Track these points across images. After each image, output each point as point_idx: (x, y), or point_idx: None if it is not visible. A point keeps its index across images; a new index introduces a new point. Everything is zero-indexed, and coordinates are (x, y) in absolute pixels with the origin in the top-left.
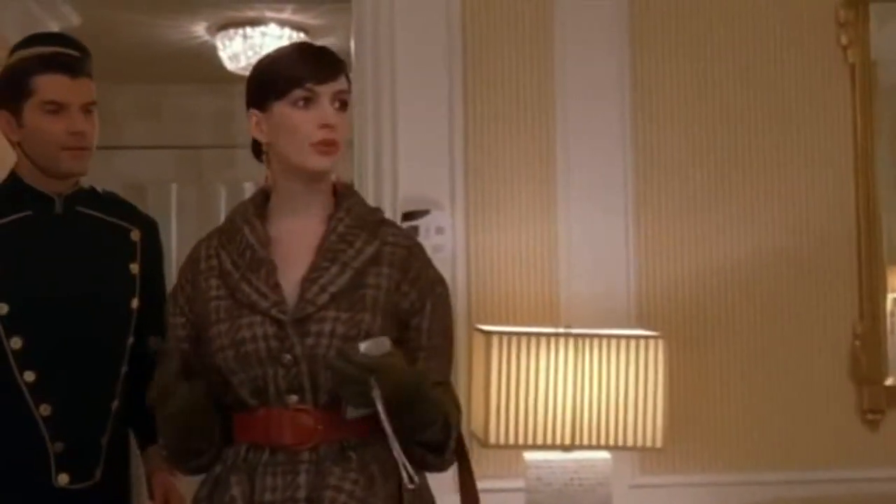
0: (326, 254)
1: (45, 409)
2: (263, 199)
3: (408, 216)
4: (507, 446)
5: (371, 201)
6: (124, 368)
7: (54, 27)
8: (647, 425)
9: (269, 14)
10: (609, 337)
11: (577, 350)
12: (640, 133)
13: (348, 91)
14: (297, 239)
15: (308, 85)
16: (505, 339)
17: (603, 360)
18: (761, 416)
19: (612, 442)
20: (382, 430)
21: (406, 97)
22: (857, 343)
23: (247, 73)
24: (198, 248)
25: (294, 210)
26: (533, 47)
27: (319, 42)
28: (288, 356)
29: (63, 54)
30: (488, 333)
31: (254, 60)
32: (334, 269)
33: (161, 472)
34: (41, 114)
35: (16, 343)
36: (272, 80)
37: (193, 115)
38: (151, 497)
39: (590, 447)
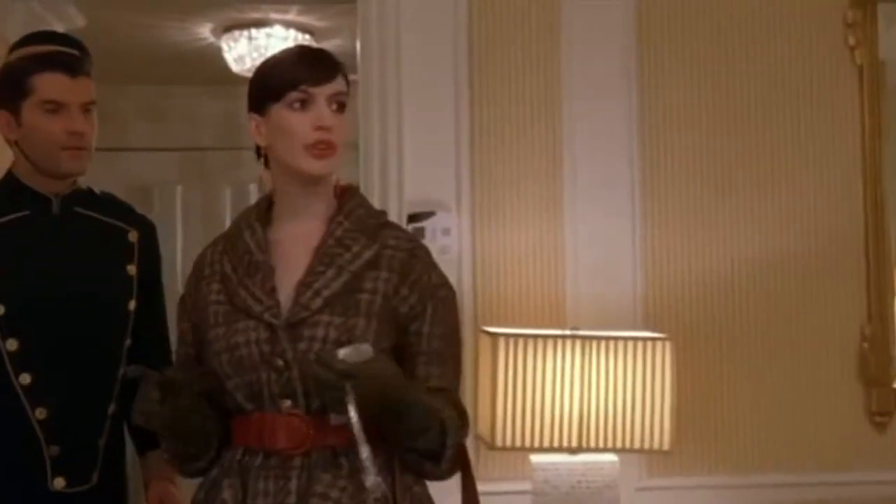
0: (323, 258)
1: (40, 413)
2: (268, 204)
3: (413, 218)
4: (513, 449)
5: (377, 203)
6: (121, 371)
7: (59, 28)
8: (654, 427)
9: (274, 16)
10: (616, 339)
11: (583, 352)
12: (646, 134)
13: (346, 93)
14: (297, 243)
15: (303, 87)
16: (511, 340)
17: (610, 362)
18: (769, 418)
19: (619, 444)
20: (377, 437)
21: (412, 99)
22: (866, 345)
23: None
24: (203, 254)
25: (295, 214)
26: (539, 48)
27: (325, 44)
28: (280, 361)
29: (62, 53)
30: (495, 335)
31: (259, 62)
32: (330, 273)
33: (159, 479)
34: (40, 113)
35: (11, 345)
36: (269, 84)
37: (198, 116)
38: None
39: (597, 450)
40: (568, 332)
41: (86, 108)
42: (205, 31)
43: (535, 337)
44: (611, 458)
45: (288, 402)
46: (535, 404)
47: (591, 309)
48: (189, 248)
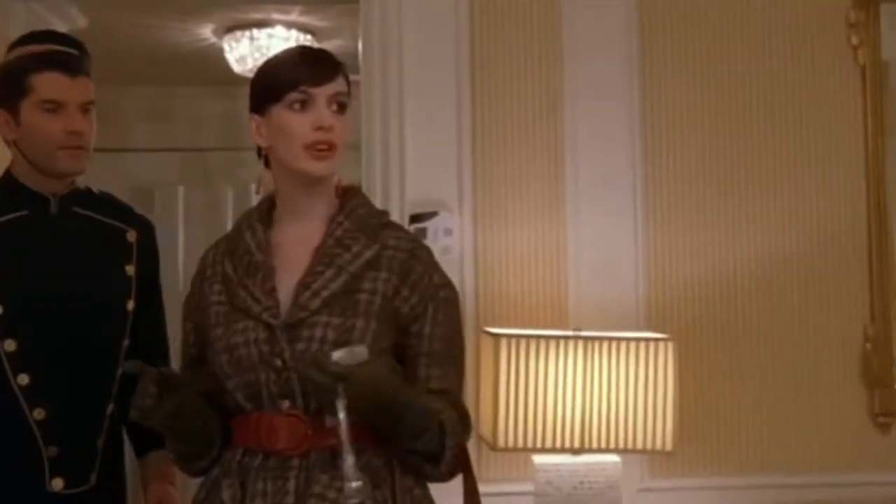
0: (322, 258)
1: (39, 413)
2: (270, 205)
3: (415, 218)
4: (515, 449)
5: (379, 203)
6: (120, 371)
7: (61, 29)
8: (656, 428)
9: (275, 16)
10: (618, 339)
11: (586, 353)
12: (648, 134)
13: (347, 93)
14: (298, 243)
15: (303, 88)
16: (513, 341)
17: (612, 362)
18: (771, 419)
19: (621, 445)
20: (376, 438)
21: (414, 99)
22: (868, 346)
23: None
24: (206, 255)
25: (296, 214)
26: (541, 48)
27: (326, 44)
28: (278, 361)
29: (61, 52)
30: (497, 336)
31: (261, 62)
32: (329, 274)
33: (158, 481)
34: (39, 112)
35: (10, 345)
36: (269, 85)
37: (200, 117)
38: None
39: (599, 450)
40: (570, 333)
41: (85, 108)
42: (206, 31)
43: (537, 337)
44: (613, 458)
45: (287, 403)
46: (537, 405)
47: (594, 309)
48: (190, 248)
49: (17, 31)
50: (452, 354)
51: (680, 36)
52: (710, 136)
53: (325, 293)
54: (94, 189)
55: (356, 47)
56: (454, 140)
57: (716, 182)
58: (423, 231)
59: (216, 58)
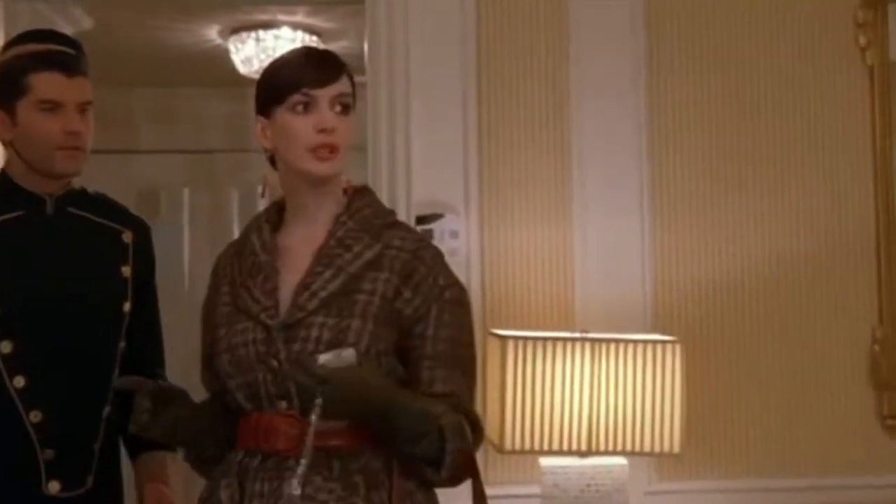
0: (323, 258)
1: (35, 416)
2: (280, 207)
3: (422, 220)
4: (522, 452)
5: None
6: (116, 373)
7: (66, 30)
8: (664, 431)
9: (281, 17)
10: (625, 341)
11: (593, 355)
12: (655, 134)
13: (350, 94)
14: (303, 244)
15: (304, 90)
16: (520, 343)
17: (619, 364)
18: (779, 422)
19: (628, 447)
20: (376, 441)
21: (419, 100)
22: (877, 348)
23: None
24: (219, 258)
25: (303, 216)
26: (547, 48)
27: (332, 45)
28: (274, 361)
29: (59, 52)
30: (503, 338)
31: (266, 64)
32: (328, 274)
33: (152, 482)
34: (36, 112)
35: (5, 347)
36: (272, 87)
37: (206, 118)
38: None
39: (606, 453)
40: (577, 335)
41: (82, 108)
42: (212, 32)
43: (544, 339)
44: (620, 461)
45: (284, 404)
46: (543, 407)
47: (600, 311)
48: (196, 250)
49: (21, 31)
50: (459, 356)
51: (687, 36)
52: (718, 137)
53: (322, 294)
54: (90, 190)
55: (362, 48)
56: (460, 141)
57: (723, 182)
58: (430, 233)
59: (222, 59)
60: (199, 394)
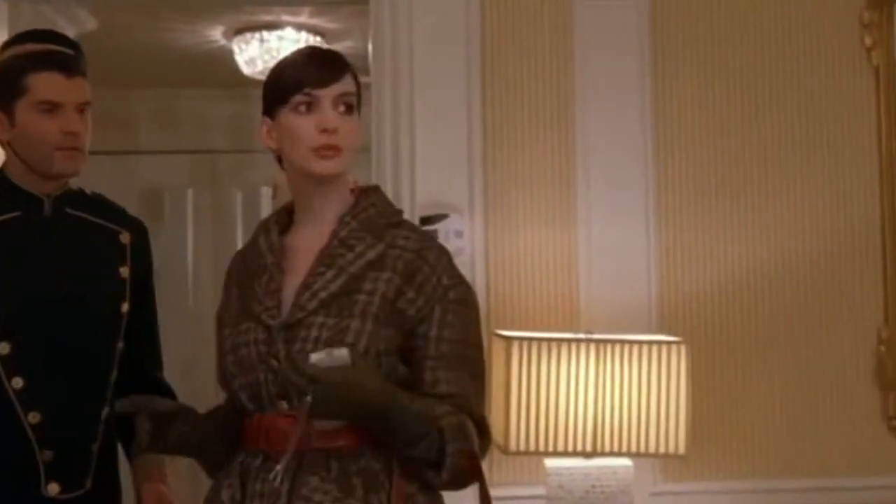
0: (325, 259)
1: (33, 417)
2: (288, 211)
3: (426, 220)
4: (527, 453)
5: None
6: (114, 374)
7: (70, 31)
8: (669, 432)
9: (285, 18)
10: (631, 342)
11: (598, 355)
12: (660, 136)
13: (354, 94)
14: (309, 245)
15: (307, 90)
16: (525, 344)
17: (624, 365)
18: (785, 423)
19: (633, 449)
20: (375, 442)
21: (424, 100)
22: (883, 348)
23: (263, 78)
24: (231, 262)
25: (311, 216)
26: (552, 49)
27: (337, 46)
28: (275, 361)
29: (58, 52)
30: (508, 339)
31: (270, 64)
32: (329, 274)
33: (150, 481)
34: (35, 113)
35: (3, 348)
36: (276, 87)
37: (209, 119)
38: None
39: (611, 454)
40: (582, 336)
41: (81, 109)
42: (216, 33)
43: (549, 340)
44: (625, 462)
45: (285, 404)
46: (548, 408)
47: (605, 312)
48: (199, 250)
49: None
50: (464, 357)
51: (692, 37)
52: (723, 138)
53: (323, 294)
54: (88, 190)
55: (366, 49)
56: (464, 141)
57: (728, 183)
58: (434, 233)
59: (226, 60)
60: (199, 395)
